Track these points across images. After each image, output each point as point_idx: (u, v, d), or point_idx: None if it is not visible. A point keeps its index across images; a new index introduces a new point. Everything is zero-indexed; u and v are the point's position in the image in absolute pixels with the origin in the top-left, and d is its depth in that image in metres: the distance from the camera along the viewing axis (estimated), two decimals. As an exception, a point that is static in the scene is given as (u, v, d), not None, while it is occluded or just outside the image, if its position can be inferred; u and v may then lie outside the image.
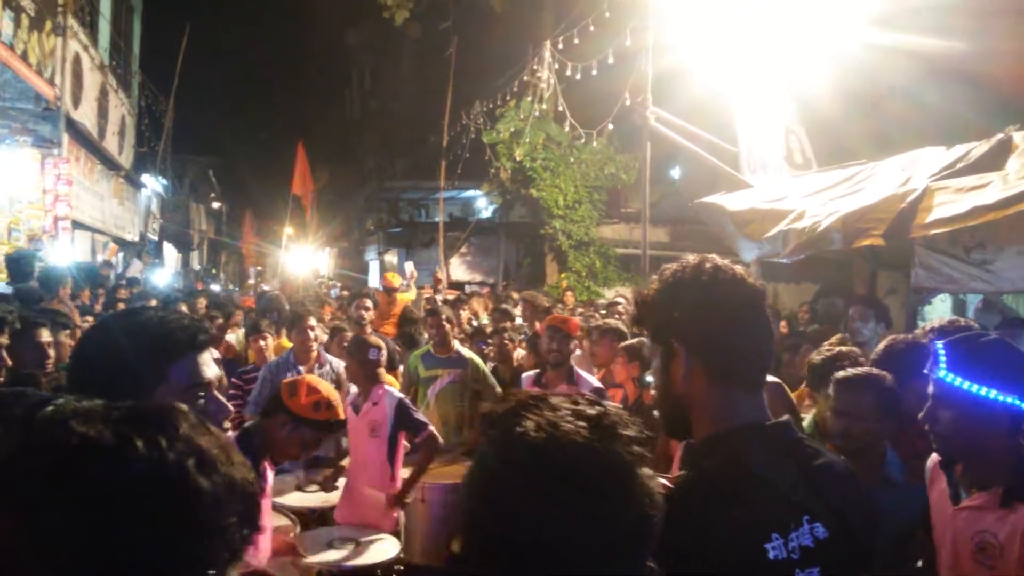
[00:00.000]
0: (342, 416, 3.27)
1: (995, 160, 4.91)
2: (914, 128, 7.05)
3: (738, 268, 1.61)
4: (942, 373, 2.15)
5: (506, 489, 1.03)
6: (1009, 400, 2.06)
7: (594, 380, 4.86)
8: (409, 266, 13.36)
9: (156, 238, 23.29)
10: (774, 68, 8.04)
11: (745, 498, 1.37)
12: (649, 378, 5.19)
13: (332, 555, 4.09)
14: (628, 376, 5.11)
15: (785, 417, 1.60)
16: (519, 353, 7.06)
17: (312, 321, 6.10)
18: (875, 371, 3.03)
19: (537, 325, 7.50)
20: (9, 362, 3.34)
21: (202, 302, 9.68)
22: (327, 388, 3.26)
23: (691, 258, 1.63)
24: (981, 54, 6.83)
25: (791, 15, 7.57)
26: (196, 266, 33.69)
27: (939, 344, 2.22)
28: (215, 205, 41.01)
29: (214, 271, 37.62)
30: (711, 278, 1.56)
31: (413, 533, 5.04)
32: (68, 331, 4.93)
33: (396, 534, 4.64)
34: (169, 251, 26.86)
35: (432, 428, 4.99)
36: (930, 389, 2.22)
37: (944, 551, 2.29)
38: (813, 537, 1.41)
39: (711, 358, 1.54)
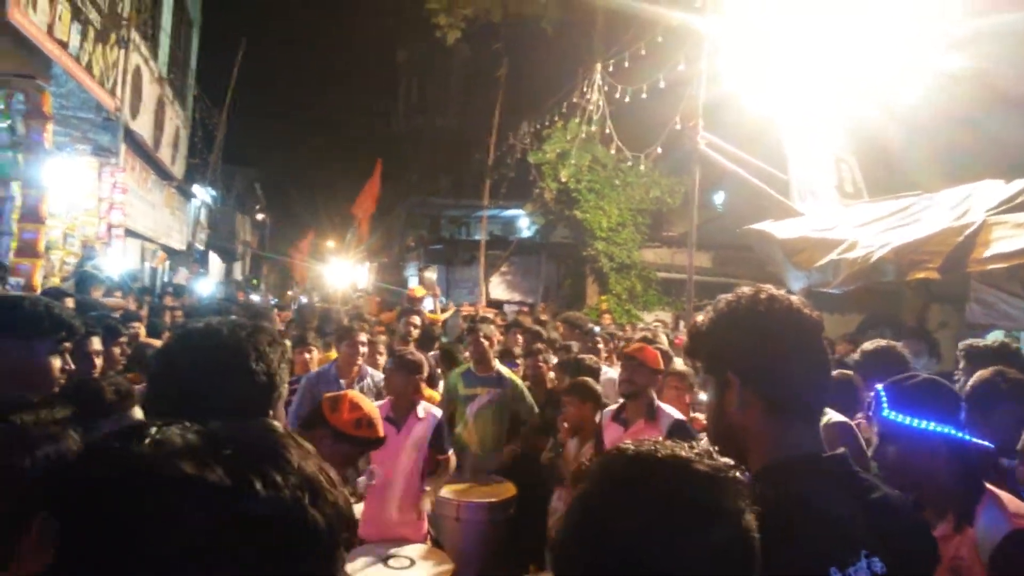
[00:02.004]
0: (382, 434, 3.27)
1: (1056, 196, 4.80)
2: (973, 158, 6.91)
3: (794, 298, 1.60)
4: (885, 412, 2.37)
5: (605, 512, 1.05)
6: (946, 430, 2.28)
7: (676, 413, 4.59)
8: (432, 275, 13.24)
9: (202, 247, 23.69)
10: (826, 96, 7.96)
11: (802, 531, 1.34)
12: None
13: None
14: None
15: (841, 450, 1.58)
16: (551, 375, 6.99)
17: (363, 336, 6.14)
18: None
19: (575, 345, 7.47)
20: (73, 366, 3.41)
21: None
22: (369, 406, 3.26)
23: (746, 288, 1.63)
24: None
25: (844, 43, 7.50)
26: (238, 276, 34.18)
27: (879, 387, 2.44)
28: (259, 217, 41.63)
29: (255, 282, 38.13)
30: (767, 308, 1.55)
31: (447, 551, 5.02)
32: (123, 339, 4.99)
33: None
34: (214, 260, 27.29)
35: (452, 455, 5.10)
36: (875, 429, 2.44)
37: None
38: (871, 572, 1.39)
39: (767, 389, 1.53)
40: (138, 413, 2.43)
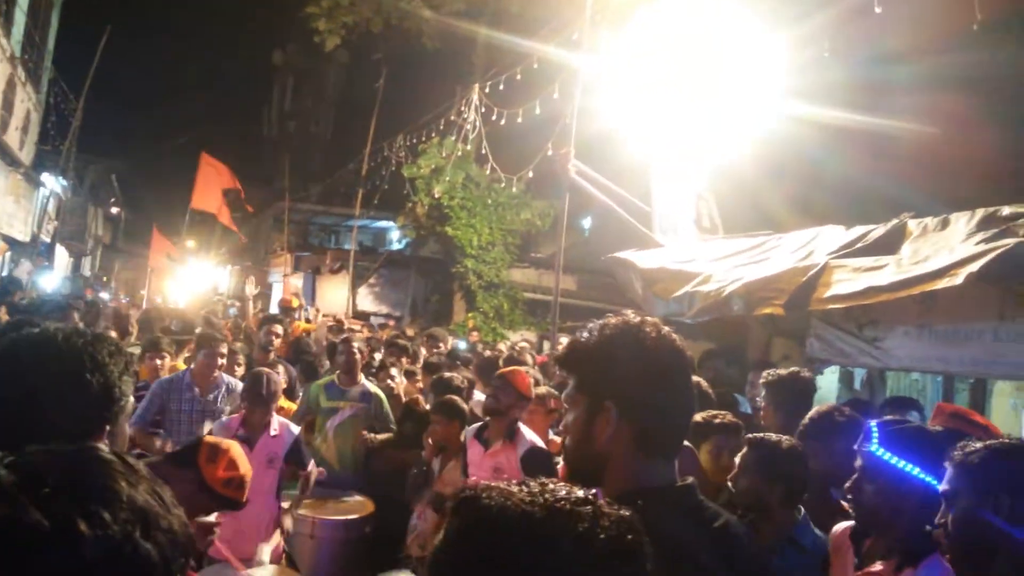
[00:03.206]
0: (244, 500, 3.15)
1: (890, 243, 5.21)
2: (820, 197, 7.45)
3: (675, 336, 1.61)
4: (873, 447, 2.34)
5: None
6: (927, 479, 2.24)
7: (536, 438, 4.60)
8: (298, 282, 12.82)
9: (49, 240, 22.18)
10: (690, 135, 8.35)
11: (659, 557, 1.39)
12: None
13: None
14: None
15: (690, 479, 1.61)
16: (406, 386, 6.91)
17: (224, 348, 5.92)
18: (767, 435, 3.22)
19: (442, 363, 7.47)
20: None
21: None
22: (247, 468, 3.12)
23: (631, 314, 1.63)
24: (889, 130, 7.30)
25: (706, 84, 7.91)
26: (87, 272, 32.21)
27: (872, 423, 2.40)
28: (114, 211, 39.35)
29: (105, 279, 36.01)
30: (655, 343, 1.56)
31: (300, 568, 4.90)
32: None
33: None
34: (61, 255, 25.60)
35: (312, 467, 4.99)
36: (858, 463, 2.39)
37: None
38: (717, 598, 1.43)
39: (642, 424, 1.54)
40: None
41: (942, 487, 2.04)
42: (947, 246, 4.69)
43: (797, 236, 6.15)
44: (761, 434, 3.26)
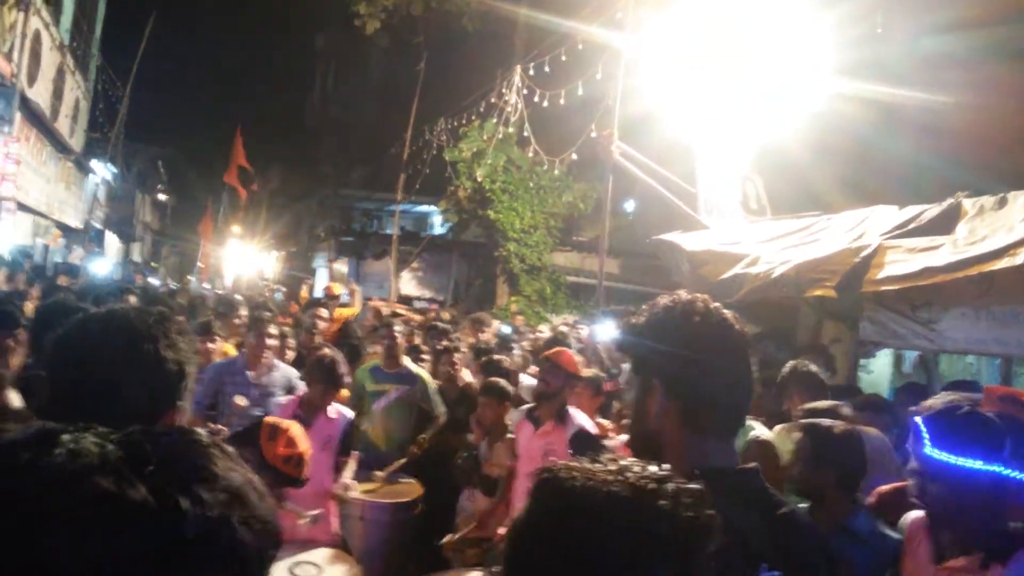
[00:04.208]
0: (305, 477, 3.21)
1: (945, 223, 5.09)
2: (870, 178, 7.29)
3: (728, 313, 1.61)
4: (927, 450, 2.25)
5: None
6: (993, 469, 2.17)
7: (586, 420, 4.62)
8: (342, 267, 12.94)
9: (100, 226, 22.69)
10: (737, 115, 8.23)
11: None
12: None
13: None
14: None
15: (752, 464, 1.61)
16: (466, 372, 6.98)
17: (273, 329, 5.99)
18: (821, 421, 3.16)
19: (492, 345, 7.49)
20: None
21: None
22: (306, 447, 3.19)
23: (683, 295, 1.63)
24: (942, 107, 7.11)
25: (753, 63, 7.77)
26: (137, 258, 32.90)
27: (919, 420, 2.32)
28: (161, 197, 40.13)
29: (154, 265, 36.78)
30: (701, 320, 1.56)
31: (351, 549, 4.96)
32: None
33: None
34: (111, 240, 26.19)
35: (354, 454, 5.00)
36: (914, 464, 2.34)
37: None
38: (770, 584, 1.42)
39: (686, 400, 1.55)
40: (12, 396, 2.26)
41: None
42: (1005, 225, 4.57)
43: (848, 217, 6.05)
44: (815, 419, 3.21)
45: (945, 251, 4.68)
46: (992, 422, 2.28)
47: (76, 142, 17.75)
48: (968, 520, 2.26)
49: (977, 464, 2.18)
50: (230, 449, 0.81)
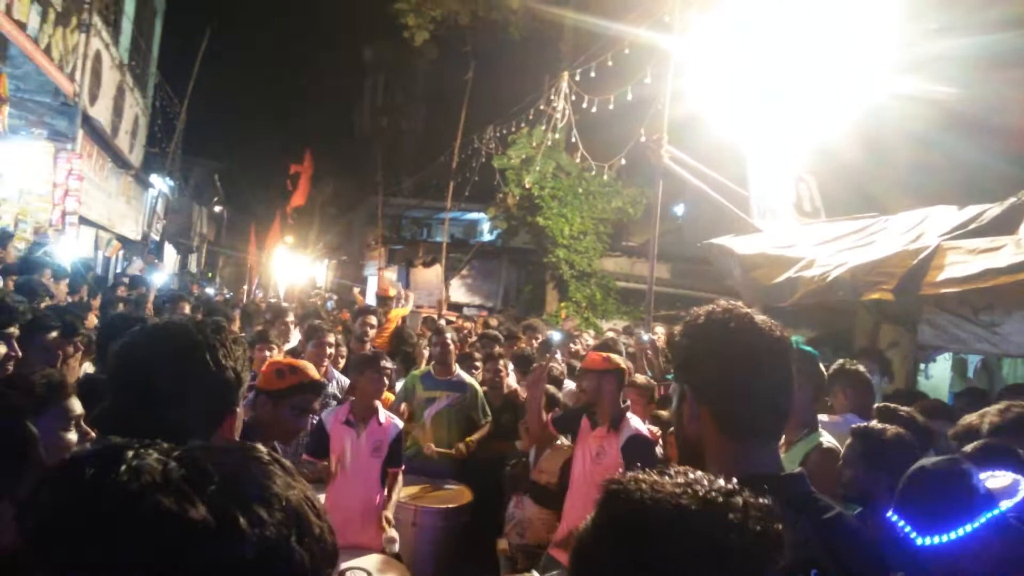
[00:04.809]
0: (314, 376, 3.26)
1: (1007, 223, 4.93)
2: (929, 178, 7.10)
3: (763, 319, 1.61)
4: (920, 543, 2.14)
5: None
6: (983, 520, 2.08)
7: (641, 426, 4.53)
8: (391, 274, 13.10)
9: (158, 238, 23.27)
10: (788, 116, 8.10)
11: None
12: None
13: None
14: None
15: (798, 469, 1.62)
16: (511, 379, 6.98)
17: (331, 338, 6.07)
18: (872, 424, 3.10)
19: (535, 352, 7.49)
20: (19, 353, 3.31)
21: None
22: (289, 359, 3.35)
23: (722, 303, 1.65)
24: (1001, 106, 6.90)
25: (806, 63, 7.64)
26: (193, 269, 33.64)
27: (891, 516, 2.21)
28: (217, 209, 41.01)
29: (210, 275, 37.58)
30: (736, 327, 1.57)
31: (403, 555, 4.99)
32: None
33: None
34: (169, 252, 26.83)
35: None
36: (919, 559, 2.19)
37: None
38: (819, 589, 1.40)
39: (717, 405, 1.57)
40: (75, 403, 2.35)
41: None
42: (1072, 224, 4.41)
43: (905, 218, 5.90)
44: (866, 423, 3.14)
45: (1007, 251, 4.53)
46: (952, 474, 2.18)
47: (135, 157, 18.25)
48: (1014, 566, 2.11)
49: (969, 528, 2.09)
50: (288, 464, 0.82)
